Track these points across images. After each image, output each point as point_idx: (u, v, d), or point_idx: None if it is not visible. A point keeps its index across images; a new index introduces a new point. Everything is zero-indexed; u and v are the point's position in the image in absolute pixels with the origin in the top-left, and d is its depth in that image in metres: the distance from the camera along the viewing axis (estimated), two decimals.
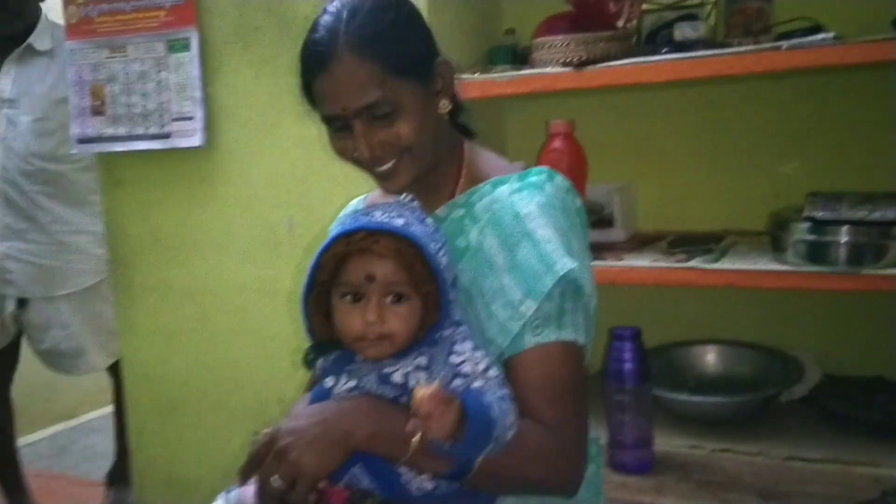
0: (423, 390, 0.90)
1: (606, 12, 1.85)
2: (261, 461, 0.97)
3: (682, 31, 1.73)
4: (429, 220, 1.06)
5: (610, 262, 1.77)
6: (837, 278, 1.56)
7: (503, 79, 1.80)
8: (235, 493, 1.06)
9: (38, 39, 2.54)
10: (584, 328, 1.12)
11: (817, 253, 1.58)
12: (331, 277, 1.03)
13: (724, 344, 2.00)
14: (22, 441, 3.37)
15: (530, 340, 1.07)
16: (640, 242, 1.93)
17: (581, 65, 1.71)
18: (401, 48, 1.09)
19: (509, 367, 1.07)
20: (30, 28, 2.55)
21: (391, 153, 1.10)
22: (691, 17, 1.82)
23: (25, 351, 2.77)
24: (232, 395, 2.23)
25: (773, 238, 1.69)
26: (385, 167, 1.11)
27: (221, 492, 1.08)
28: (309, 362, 1.11)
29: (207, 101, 2.11)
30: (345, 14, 1.08)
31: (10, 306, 2.63)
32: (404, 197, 1.09)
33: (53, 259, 2.61)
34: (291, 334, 2.00)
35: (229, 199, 2.16)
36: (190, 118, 2.12)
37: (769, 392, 1.81)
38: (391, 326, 1.00)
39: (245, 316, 2.18)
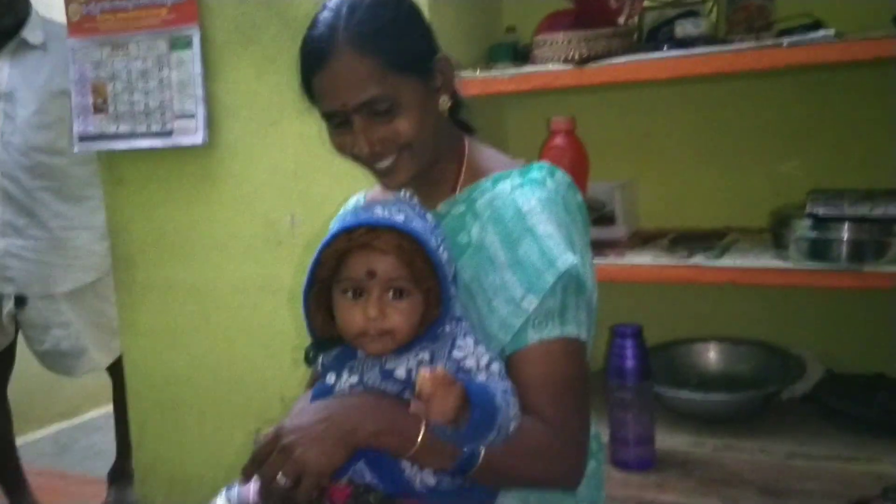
0: (427, 372, 0.91)
1: (607, 9, 1.85)
2: (264, 459, 0.97)
3: (684, 28, 1.73)
4: (429, 216, 1.06)
5: (611, 260, 1.77)
6: (839, 275, 1.56)
7: (504, 76, 1.80)
8: (237, 490, 1.06)
9: (31, 33, 2.53)
10: (586, 324, 1.12)
11: (819, 250, 1.58)
12: (332, 273, 1.03)
13: (725, 341, 2.00)
14: (24, 439, 3.38)
15: (533, 336, 1.07)
16: (642, 240, 1.93)
17: (582, 62, 1.71)
18: (400, 44, 1.08)
19: (511, 362, 1.07)
20: (21, 22, 2.54)
21: (391, 149, 1.10)
22: (692, 14, 1.82)
23: (27, 349, 2.76)
24: (234, 393, 2.23)
25: (775, 235, 1.70)
26: (385, 164, 1.11)
27: (222, 489, 1.08)
28: (310, 359, 1.11)
29: (209, 99, 2.12)
30: (344, 10, 1.08)
31: (8, 306, 2.61)
32: (404, 193, 1.09)
33: (54, 256, 2.60)
34: (293, 332, 2.00)
35: (231, 197, 2.16)
36: (192, 116, 2.12)
37: (770, 389, 1.81)
38: (392, 322, 1.00)
39: (247, 314, 2.18)
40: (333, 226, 1.04)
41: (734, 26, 1.77)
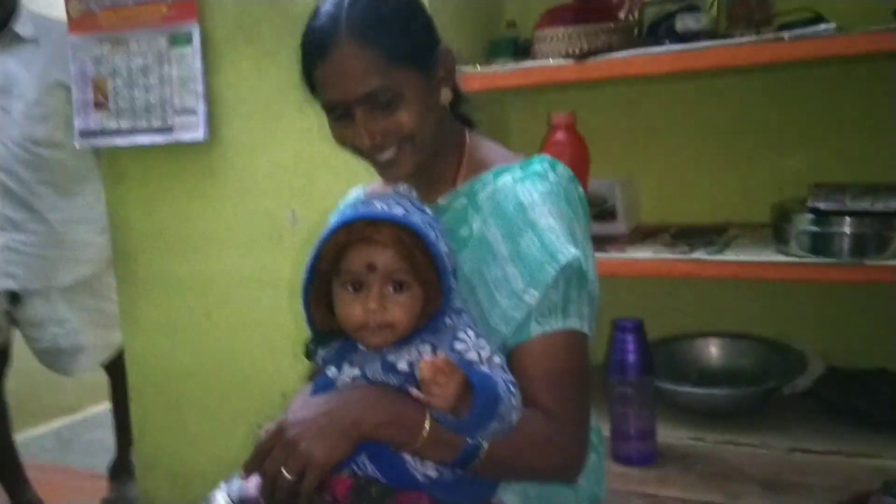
0: (429, 359, 0.91)
1: (608, 4, 1.85)
2: (267, 453, 0.97)
3: (684, 23, 1.73)
4: (427, 209, 1.06)
5: (613, 254, 1.77)
6: (840, 269, 1.56)
7: (505, 71, 1.80)
8: (238, 485, 1.05)
9: (21, 27, 2.52)
10: (588, 316, 1.12)
11: (820, 244, 1.58)
12: (331, 267, 1.03)
13: (726, 336, 2.00)
14: (25, 435, 3.39)
15: (536, 329, 1.07)
16: (643, 235, 1.93)
17: (583, 57, 1.70)
18: (403, 36, 1.08)
19: (514, 355, 1.07)
20: (8, 15, 2.53)
21: (392, 142, 1.10)
22: (693, 9, 1.82)
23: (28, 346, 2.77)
24: (235, 388, 2.23)
25: (776, 230, 1.69)
26: (386, 156, 1.11)
27: (221, 483, 1.08)
28: (310, 353, 1.11)
29: (209, 95, 2.12)
30: (346, 1, 1.07)
31: (3, 304, 2.61)
32: (403, 187, 1.09)
33: (54, 249, 2.59)
34: (294, 326, 2.00)
35: (232, 193, 2.16)
36: (192, 112, 2.12)
37: (771, 384, 1.81)
38: (393, 315, 0.99)
39: (248, 308, 2.19)
40: (332, 219, 1.04)
41: (735, 21, 1.76)
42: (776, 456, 1.64)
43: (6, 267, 2.56)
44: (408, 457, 0.99)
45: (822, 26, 1.54)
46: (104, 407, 3.76)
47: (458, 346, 1.00)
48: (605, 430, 1.62)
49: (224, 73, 2.11)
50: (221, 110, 2.12)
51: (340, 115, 1.11)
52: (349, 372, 1.03)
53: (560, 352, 1.08)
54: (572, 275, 1.08)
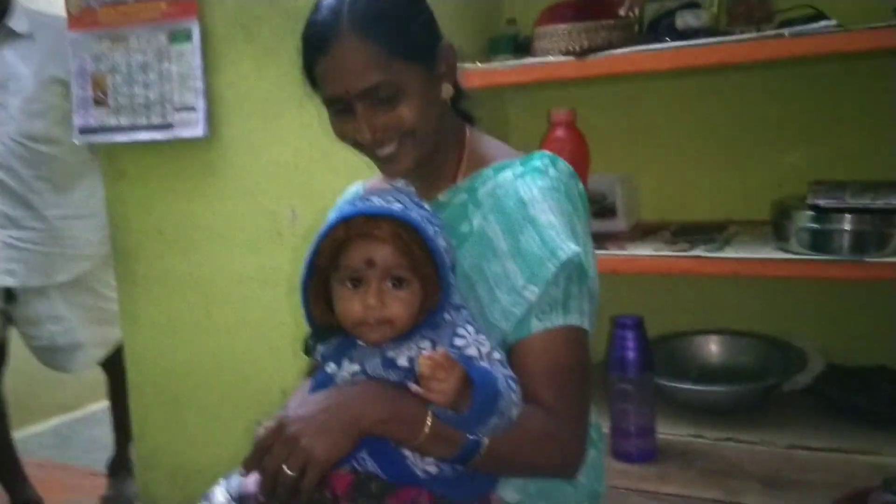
0: (429, 354, 0.91)
1: (608, 1, 1.84)
2: (267, 450, 0.97)
3: (685, 20, 1.72)
4: (425, 205, 1.06)
5: (613, 252, 1.76)
6: (840, 266, 1.56)
7: (505, 68, 1.80)
8: (237, 482, 1.05)
9: (16, 22, 2.52)
10: (588, 312, 1.12)
11: (820, 241, 1.58)
12: (330, 263, 1.02)
13: (726, 333, 2.00)
14: (25, 432, 3.39)
15: (536, 325, 1.07)
16: (643, 232, 1.92)
17: (583, 53, 1.70)
18: (404, 31, 1.08)
19: (514, 351, 1.07)
20: (2, 12, 2.52)
21: (393, 136, 1.10)
22: (693, 6, 1.81)
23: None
24: (235, 386, 2.23)
25: (777, 227, 1.69)
26: (387, 150, 1.11)
27: (220, 480, 1.08)
28: (309, 349, 1.11)
29: (209, 92, 2.12)
30: None
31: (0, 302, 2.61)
32: (401, 182, 1.09)
33: (53, 246, 2.59)
34: (294, 324, 2.01)
35: (232, 190, 2.16)
36: (192, 109, 2.12)
37: (771, 381, 1.81)
38: (392, 310, 0.99)
39: (248, 306, 2.19)
40: (331, 215, 1.04)
41: (735, 18, 1.76)
42: (776, 453, 1.64)
43: (6, 264, 2.55)
44: (408, 453, 0.99)
45: (823, 23, 1.54)
46: (103, 404, 3.76)
47: (458, 341, 1.00)
48: (605, 427, 1.63)
49: (224, 70, 2.11)
50: (221, 107, 2.12)
51: (341, 110, 1.10)
52: (349, 368, 1.03)
53: (560, 348, 1.07)
54: (573, 271, 1.08)
